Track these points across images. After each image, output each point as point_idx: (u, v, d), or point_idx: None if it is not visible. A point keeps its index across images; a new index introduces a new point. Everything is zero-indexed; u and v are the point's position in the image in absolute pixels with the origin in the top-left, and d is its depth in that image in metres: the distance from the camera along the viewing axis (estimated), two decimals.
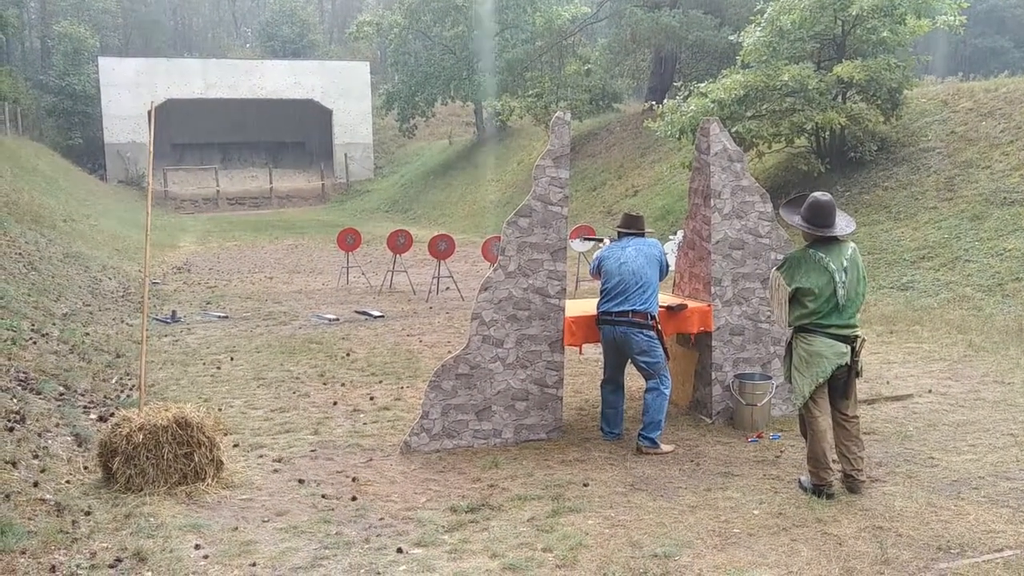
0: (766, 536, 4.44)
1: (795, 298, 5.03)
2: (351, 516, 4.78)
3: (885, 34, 14.12)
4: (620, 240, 6.17)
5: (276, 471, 5.50)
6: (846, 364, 4.96)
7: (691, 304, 6.50)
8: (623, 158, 23.91)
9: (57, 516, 4.57)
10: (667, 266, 6.10)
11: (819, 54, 15.27)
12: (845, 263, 4.96)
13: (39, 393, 6.54)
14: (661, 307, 6.15)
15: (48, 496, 4.80)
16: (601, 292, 6.04)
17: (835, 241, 5.05)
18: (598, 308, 6.04)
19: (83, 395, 6.96)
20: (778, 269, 5.17)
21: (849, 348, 4.96)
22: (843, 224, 5.09)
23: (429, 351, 9.20)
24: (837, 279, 4.93)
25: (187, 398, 6.96)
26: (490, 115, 34.30)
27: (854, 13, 14.04)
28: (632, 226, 6.17)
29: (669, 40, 23.27)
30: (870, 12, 14.01)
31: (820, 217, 5.02)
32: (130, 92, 36.50)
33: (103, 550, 4.26)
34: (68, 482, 5.11)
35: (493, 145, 33.66)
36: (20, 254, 11.82)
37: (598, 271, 6.11)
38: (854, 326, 5.01)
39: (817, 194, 5.11)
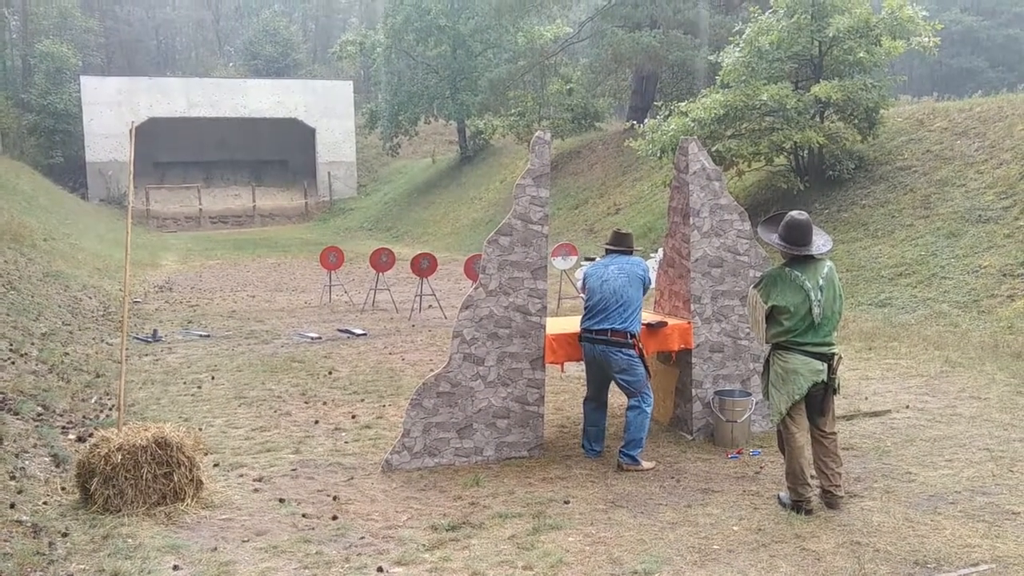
0: (745, 552, 4.47)
1: (772, 316, 5.08)
2: (331, 535, 4.76)
3: (861, 55, 14.37)
4: (606, 257, 6.22)
5: (256, 490, 5.48)
6: (822, 381, 5.02)
7: (671, 322, 6.55)
8: (605, 176, 24.07)
9: (34, 538, 4.53)
10: (650, 283, 6.15)
11: (797, 74, 15.50)
12: (821, 281, 5.02)
13: (17, 413, 6.48)
14: (642, 325, 6.19)
15: (25, 518, 4.76)
16: (584, 309, 6.09)
17: (811, 260, 5.11)
18: (580, 325, 6.09)
19: (62, 415, 6.91)
20: (755, 287, 5.23)
21: (825, 365, 5.02)
22: (820, 243, 5.15)
23: (411, 369, 9.19)
24: (813, 297, 4.99)
25: (167, 417, 6.92)
26: (473, 134, 34.47)
27: (831, 34, 14.28)
28: (619, 244, 6.22)
29: (650, 60, 23.54)
30: (846, 33, 14.26)
31: (797, 236, 5.09)
32: (112, 111, 36.42)
33: (80, 572, 4.22)
34: (45, 503, 5.07)
35: (476, 163, 33.81)
36: None
37: (583, 287, 6.17)
38: (830, 344, 5.07)
39: (794, 213, 5.17)
